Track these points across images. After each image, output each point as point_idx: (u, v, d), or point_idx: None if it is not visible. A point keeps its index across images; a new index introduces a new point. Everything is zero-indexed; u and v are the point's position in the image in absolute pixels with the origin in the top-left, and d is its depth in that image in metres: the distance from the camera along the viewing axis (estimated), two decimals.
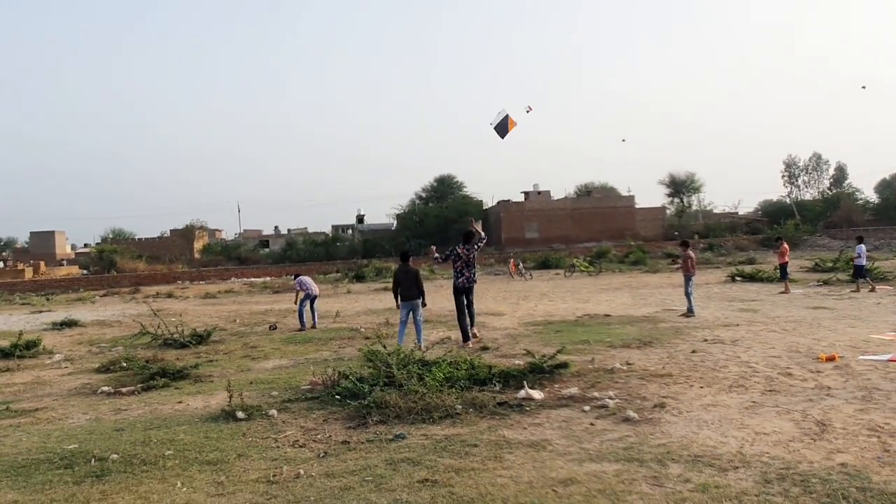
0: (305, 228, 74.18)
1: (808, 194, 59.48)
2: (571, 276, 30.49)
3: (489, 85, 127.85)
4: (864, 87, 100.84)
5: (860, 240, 18.62)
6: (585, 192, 64.77)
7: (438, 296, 19.49)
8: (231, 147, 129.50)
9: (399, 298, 11.14)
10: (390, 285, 27.52)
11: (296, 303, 15.47)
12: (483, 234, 11.78)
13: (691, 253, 14.46)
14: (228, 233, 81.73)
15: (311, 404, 7.25)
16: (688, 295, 13.95)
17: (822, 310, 13.97)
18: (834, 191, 58.97)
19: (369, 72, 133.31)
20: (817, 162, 60.43)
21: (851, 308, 14.05)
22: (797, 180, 60.55)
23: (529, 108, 20.01)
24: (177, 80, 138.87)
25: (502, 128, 17.72)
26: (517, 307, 17.75)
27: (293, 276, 17.03)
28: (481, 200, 59.31)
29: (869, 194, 61.09)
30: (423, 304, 11.30)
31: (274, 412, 6.85)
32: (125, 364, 10.32)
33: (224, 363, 10.68)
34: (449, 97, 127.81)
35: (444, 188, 60.70)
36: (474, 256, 11.48)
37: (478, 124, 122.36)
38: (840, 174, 61.40)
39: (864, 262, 17.91)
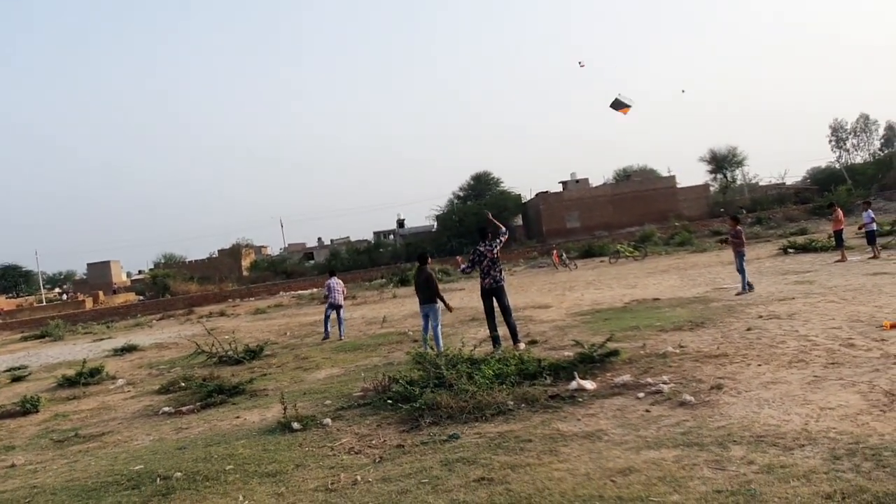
0: (348, 237, 75.08)
1: (859, 157, 57.49)
2: (616, 263, 30.04)
3: (516, 80, 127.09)
4: None
5: (868, 205, 18.89)
6: (625, 176, 63.76)
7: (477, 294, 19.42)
8: (270, 163, 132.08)
9: (419, 302, 10.99)
10: None
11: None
12: (502, 227, 10.57)
13: (740, 228, 14.07)
14: (273, 248, 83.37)
15: (364, 411, 7.30)
16: (741, 271, 13.56)
17: (882, 275, 13.42)
18: (886, 151, 56.64)
19: (392, 78, 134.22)
20: (865, 123, 58.31)
21: None
22: (846, 144, 58.46)
23: (581, 63, 21.46)
24: (221, 101, 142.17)
25: (617, 104, 19.62)
26: (563, 298, 17.57)
27: (329, 273, 16.30)
28: (519, 194, 59.05)
29: None
30: (447, 308, 10.80)
31: (328, 421, 6.92)
32: (183, 384, 10.60)
33: (277, 376, 10.86)
34: (475, 96, 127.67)
35: (482, 185, 60.61)
36: (498, 252, 10.26)
37: (508, 122, 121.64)
38: (891, 133, 59.00)
39: (874, 227, 17.87)
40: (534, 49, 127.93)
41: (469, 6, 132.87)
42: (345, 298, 15.81)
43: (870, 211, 18.14)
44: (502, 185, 60.52)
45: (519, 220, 59.81)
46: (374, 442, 6.06)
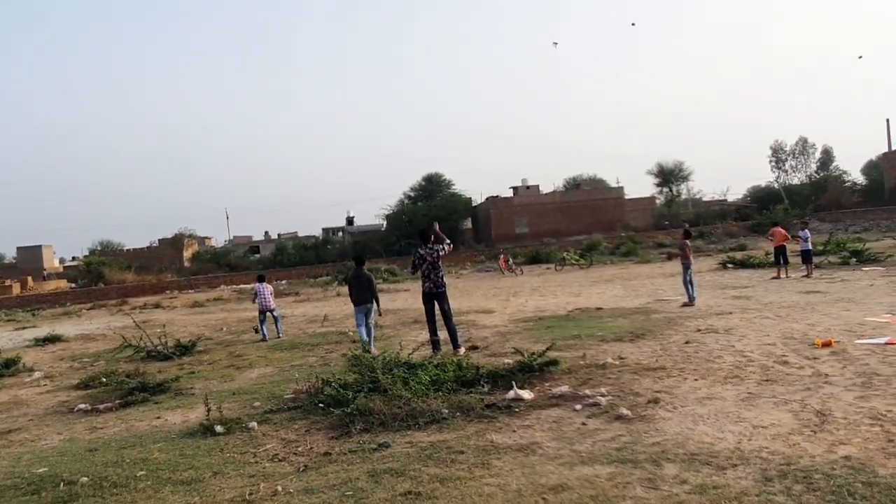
0: (296, 232, 73.74)
1: (796, 179, 59.57)
2: (562, 270, 30.29)
3: (472, 83, 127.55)
4: (860, 57, 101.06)
5: (805, 224, 19.46)
6: (574, 184, 64.63)
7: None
8: (219, 153, 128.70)
9: (353, 302, 11.24)
10: (380, 285, 27.36)
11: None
12: (447, 240, 10.26)
13: (687, 242, 14.25)
14: (218, 240, 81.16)
15: (293, 414, 6.99)
16: (686, 283, 13.73)
17: (814, 294, 13.81)
18: (821, 174, 59.03)
19: (349, 75, 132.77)
20: (804, 146, 60.52)
21: (844, 291, 13.90)
22: (784, 165, 60.59)
23: (556, 42, 22.27)
24: (166, 85, 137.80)
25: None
26: (507, 304, 17.52)
27: (257, 279, 15.73)
28: (470, 198, 59.02)
29: (856, 176, 61.34)
30: (378, 312, 11.33)
31: (254, 424, 6.58)
32: (105, 379, 10.02)
33: (207, 374, 10.40)
34: (432, 97, 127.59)
35: (433, 187, 60.35)
36: (438, 258, 9.99)
37: (462, 122, 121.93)
38: (826, 157, 61.51)
39: (809, 246, 18.35)
40: (493, 53, 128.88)
41: (428, 11, 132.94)
42: (277, 297, 15.45)
43: (807, 231, 18.69)
44: (454, 187, 60.44)
45: (468, 224, 59.90)
46: (300, 449, 5.76)
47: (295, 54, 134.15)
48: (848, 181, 58.25)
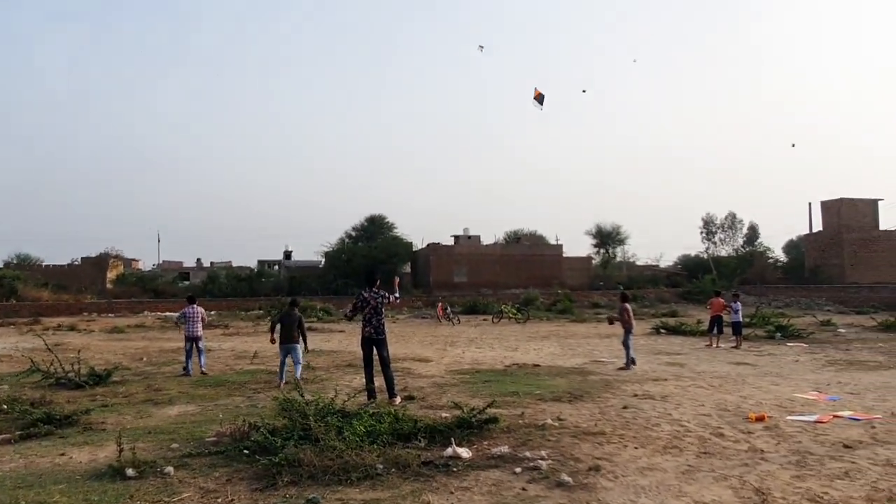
0: (230, 262, 71.67)
1: (724, 251, 62.10)
2: (499, 323, 30.32)
3: (423, 127, 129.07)
4: (793, 146, 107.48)
5: (736, 297, 20.07)
6: (515, 238, 65.51)
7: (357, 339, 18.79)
8: (155, 173, 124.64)
9: (279, 339, 12.15)
10: (314, 324, 26.71)
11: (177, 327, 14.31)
12: (397, 293, 10.22)
13: (627, 305, 14.38)
14: (146, 263, 77.96)
15: (214, 460, 6.50)
16: (626, 346, 13.82)
17: (744, 366, 14.15)
18: (747, 249, 61.82)
19: (299, 108, 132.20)
20: (732, 221, 63.33)
21: (772, 365, 14.31)
22: (714, 237, 63.19)
23: (481, 46, 24.05)
24: (105, 97, 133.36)
25: (540, 100, 21.52)
26: (444, 353, 17.27)
27: (187, 300, 14.51)
28: (411, 242, 58.90)
29: (778, 254, 64.58)
30: (306, 349, 12.42)
31: (170, 469, 6.07)
32: (5, 406, 9.17)
33: (122, 408, 9.68)
34: (380, 139, 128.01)
35: (375, 228, 59.99)
36: (382, 304, 9.84)
37: (409, 167, 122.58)
38: (752, 233, 64.55)
39: (740, 318, 18.86)
40: (447, 100, 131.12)
41: (381, 55, 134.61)
42: (205, 327, 14.39)
43: (738, 303, 19.29)
44: (396, 230, 60.33)
45: (408, 268, 59.66)
46: (220, 500, 5.32)
47: (238, 81, 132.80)
48: (771, 258, 61.27)
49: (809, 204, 56.48)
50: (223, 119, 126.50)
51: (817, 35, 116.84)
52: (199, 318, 13.75)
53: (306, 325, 12.93)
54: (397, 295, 10.19)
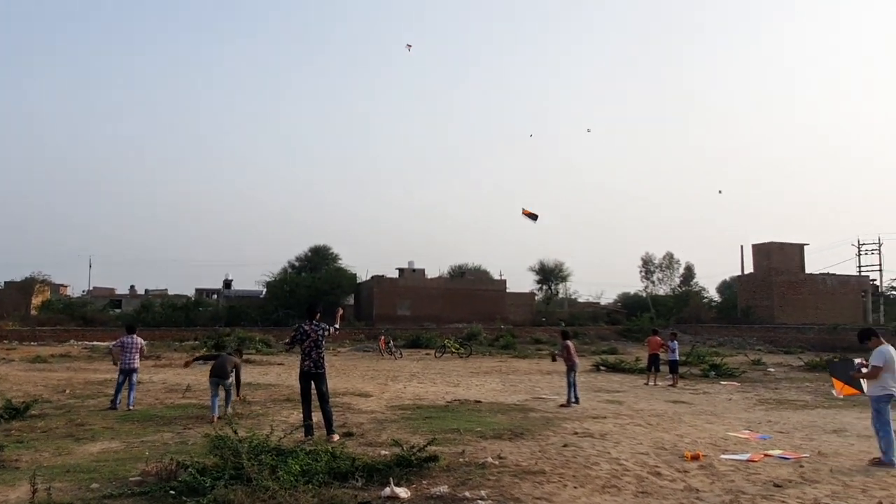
0: (166, 290, 69.36)
1: (662, 290, 63.93)
2: (441, 357, 30.17)
3: (369, 157, 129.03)
4: (720, 192, 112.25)
5: (674, 336, 20.54)
6: (459, 272, 65.83)
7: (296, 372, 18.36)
8: (87, 196, 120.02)
9: (209, 373, 11.87)
10: (252, 356, 25.99)
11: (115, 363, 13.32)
12: (338, 326, 9.95)
13: (570, 343, 14.51)
14: (75, 289, 74.61)
15: (138, 501, 6.15)
16: (569, 384, 13.92)
17: (680, 404, 14.43)
18: (683, 288, 63.80)
19: (243, 133, 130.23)
20: (670, 261, 65.36)
21: (707, 403, 14.64)
22: (653, 276, 65.02)
23: (409, 45, 24.11)
24: (42, 114, 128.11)
25: (531, 216, 22.17)
26: (385, 388, 17.01)
27: (126, 329, 13.69)
28: (355, 274, 58.48)
29: (713, 294, 66.92)
30: (238, 392, 12.36)
31: None
32: None
33: (39, 444, 9.09)
34: (322, 169, 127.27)
35: (319, 259, 59.33)
36: (322, 336, 9.61)
37: (355, 199, 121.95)
38: (689, 273, 66.77)
39: (677, 357, 19.31)
40: (395, 133, 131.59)
41: (322, 75, 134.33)
42: (144, 358, 13.76)
43: (675, 342, 19.74)
44: (340, 261, 59.80)
45: (351, 300, 59.05)
46: None
47: (174, 101, 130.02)
48: (706, 297, 63.44)
49: (742, 246, 58.96)
50: (164, 141, 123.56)
51: (744, 88, 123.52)
52: (138, 349, 13.06)
53: (245, 356, 12.66)
54: (337, 326, 9.96)
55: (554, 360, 15.44)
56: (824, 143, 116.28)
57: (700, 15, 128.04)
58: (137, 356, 13.02)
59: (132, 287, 74.05)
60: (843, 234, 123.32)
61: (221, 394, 11.74)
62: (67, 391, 15.49)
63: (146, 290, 71.28)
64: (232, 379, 11.88)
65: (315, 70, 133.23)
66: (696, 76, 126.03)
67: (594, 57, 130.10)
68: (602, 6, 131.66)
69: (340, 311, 10.47)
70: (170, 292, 66.75)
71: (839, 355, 24.17)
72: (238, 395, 12.47)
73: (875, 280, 57.53)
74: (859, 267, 58.16)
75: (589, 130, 58.86)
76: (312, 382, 9.61)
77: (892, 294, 58.88)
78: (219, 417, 11.06)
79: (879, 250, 57.28)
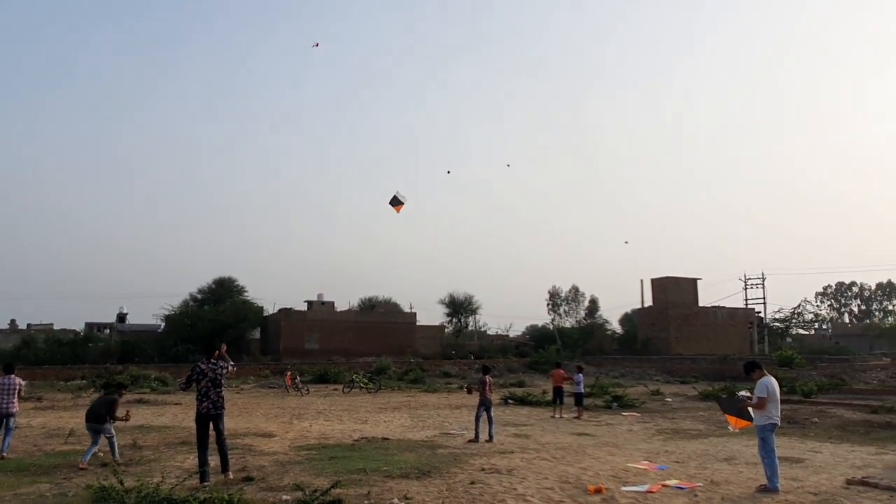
0: (51, 325, 64.51)
1: (568, 322, 65.78)
2: (350, 393, 29.56)
3: (272, 190, 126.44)
4: (626, 242, 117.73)
5: (580, 369, 21.21)
6: (369, 305, 65.23)
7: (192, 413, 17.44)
8: None
9: (84, 417, 11.32)
10: (146, 396, 24.53)
11: None
12: (231, 363, 9.73)
13: (489, 378, 14.45)
14: None
15: None
16: (477, 419, 13.87)
17: (584, 436, 14.75)
18: (588, 321, 65.93)
19: (146, 163, 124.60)
20: (576, 294, 67.56)
21: (609, 435, 15.05)
22: (559, 309, 66.84)
23: (317, 44, 24.60)
24: None
25: (394, 201, 23.41)
26: (290, 427, 16.43)
27: (3, 369, 12.46)
28: (262, 307, 56.65)
29: (616, 326, 69.51)
30: (109, 434, 11.10)
31: None
32: None
33: None
34: (230, 196, 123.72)
35: (223, 291, 57.08)
36: (221, 375, 9.32)
37: (262, 230, 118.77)
38: (593, 306, 69.13)
39: (582, 389, 19.86)
40: (306, 164, 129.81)
41: (237, 102, 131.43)
42: (22, 400, 12.62)
43: (581, 374, 20.25)
44: (246, 294, 57.80)
45: (257, 334, 57.11)
46: None
47: (75, 123, 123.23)
48: (609, 330, 65.78)
49: (641, 281, 61.87)
50: (58, 162, 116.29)
51: (641, 127, 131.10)
52: (16, 391, 11.99)
53: (138, 395, 11.75)
54: (232, 364, 9.70)
55: (469, 392, 15.39)
56: (707, 190, 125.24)
57: (600, 50, 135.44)
58: (15, 399, 11.96)
59: (13, 321, 68.45)
60: (730, 270, 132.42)
61: (103, 441, 10.98)
62: None
63: (29, 325, 66.10)
64: (109, 424, 11.02)
65: (215, 91, 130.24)
66: (602, 113, 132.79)
67: (500, 89, 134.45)
68: (503, 41, 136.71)
69: (224, 348, 9.83)
70: (56, 326, 62.15)
71: (728, 385, 25.56)
72: (110, 434, 11.11)
73: (760, 312, 61.69)
74: (746, 300, 62.21)
75: (449, 172, 59.81)
76: (211, 424, 9.20)
77: (776, 325, 63.17)
78: (105, 464, 10.25)
79: (763, 284, 61.53)
